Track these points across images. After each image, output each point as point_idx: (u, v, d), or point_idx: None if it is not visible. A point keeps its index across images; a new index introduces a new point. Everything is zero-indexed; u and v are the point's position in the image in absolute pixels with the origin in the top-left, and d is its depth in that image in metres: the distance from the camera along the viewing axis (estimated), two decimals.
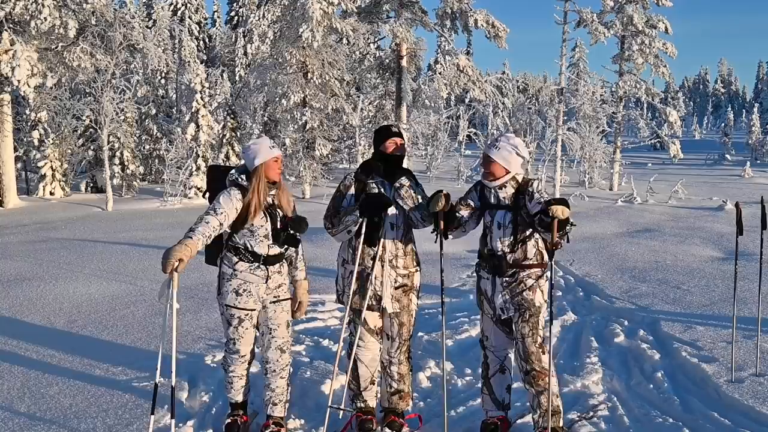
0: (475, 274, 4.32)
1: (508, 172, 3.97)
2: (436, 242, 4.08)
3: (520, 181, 4.00)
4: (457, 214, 4.07)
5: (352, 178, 4.23)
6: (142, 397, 4.74)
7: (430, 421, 4.44)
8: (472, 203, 4.12)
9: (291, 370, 4.27)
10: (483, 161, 4.06)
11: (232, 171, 4.03)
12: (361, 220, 4.04)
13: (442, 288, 4.22)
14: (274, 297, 4.10)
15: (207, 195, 4.22)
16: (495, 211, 4.01)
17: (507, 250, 3.97)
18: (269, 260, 4.04)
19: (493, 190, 4.03)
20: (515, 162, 3.98)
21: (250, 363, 4.20)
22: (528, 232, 3.95)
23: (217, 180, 4.13)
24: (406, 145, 4.35)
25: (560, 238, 3.84)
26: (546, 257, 4.02)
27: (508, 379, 4.23)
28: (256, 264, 4.00)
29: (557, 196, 4.11)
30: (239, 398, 4.23)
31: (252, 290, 4.01)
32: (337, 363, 4.22)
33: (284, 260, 4.18)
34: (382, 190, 4.15)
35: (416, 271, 4.28)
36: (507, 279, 4.00)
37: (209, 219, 3.81)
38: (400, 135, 4.23)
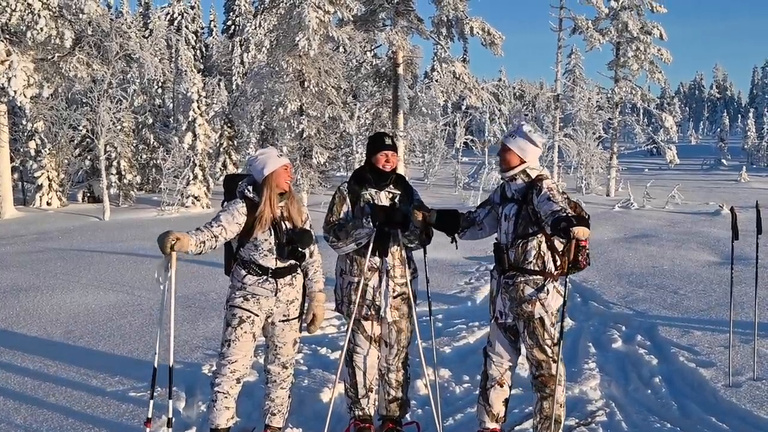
0: (473, 281, 4.32)
1: (522, 162, 3.96)
2: (455, 247, 4.22)
3: (533, 177, 3.95)
4: (473, 214, 4.16)
5: (345, 189, 4.22)
6: (139, 407, 4.72)
7: (428, 429, 4.43)
8: (493, 200, 4.16)
9: (293, 381, 4.22)
10: (499, 152, 4.08)
11: (241, 182, 3.95)
12: (373, 232, 4.02)
13: (428, 296, 4.28)
14: (284, 315, 4.00)
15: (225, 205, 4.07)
16: (506, 203, 4.02)
17: (509, 242, 3.96)
18: (278, 273, 3.93)
19: (508, 185, 4.04)
20: (531, 151, 3.98)
21: (238, 382, 3.94)
22: (530, 230, 3.89)
23: (232, 191, 4.03)
24: (399, 156, 4.34)
25: (584, 260, 3.98)
26: (550, 266, 3.93)
27: (506, 392, 4.15)
28: (265, 277, 3.90)
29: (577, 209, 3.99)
30: (221, 422, 3.92)
31: (261, 301, 3.91)
32: (339, 373, 4.18)
33: (297, 272, 4.05)
34: (375, 200, 4.15)
35: (413, 278, 4.28)
36: (507, 280, 3.97)
37: (203, 228, 3.73)
38: (393, 148, 4.17)
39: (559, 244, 3.93)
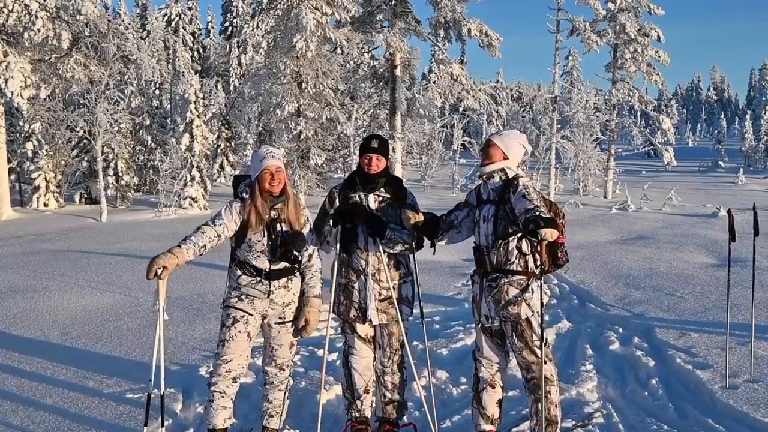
0: (470, 283, 4.30)
1: (504, 158, 3.97)
2: (433, 252, 4.18)
3: (509, 176, 3.96)
4: (450, 217, 4.13)
5: (336, 191, 4.25)
6: (136, 409, 4.72)
7: (425, 431, 4.43)
8: (470, 201, 4.14)
9: (291, 383, 4.21)
10: (483, 147, 4.09)
11: (242, 183, 4.00)
12: (335, 229, 4.04)
13: (419, 299, 4.28)
14: (280, 318, 4.01)
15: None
16: (483, 205, 4.01)
17: (489, 244, 3.94)
18: (272, 275, 3.93)
19: (485, 186, 4.03)
20: (515, 150, 3.99)
21: (234, 381, 3.95)
22: (510, 230, 3.86)
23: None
24: (395, 158, 4.35)
25: (563, 256, 3.97)
26: (531, 265, 3.92)
27: (498, 393, 4.14)
28: (258, 278, 3.92)
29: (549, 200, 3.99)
30: (218, 422, 3.93)
31: (255, 302, 3.93)
32: (322, 367, 4.19)
33: (294, 275, 4.03)
34: (363, 203, 4.14)
35: (404, 282, 4.26)
36: (490, 283, 3.95)
37: (205, 229, 3.79)
38: (378, 150, 4.12)
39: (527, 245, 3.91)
